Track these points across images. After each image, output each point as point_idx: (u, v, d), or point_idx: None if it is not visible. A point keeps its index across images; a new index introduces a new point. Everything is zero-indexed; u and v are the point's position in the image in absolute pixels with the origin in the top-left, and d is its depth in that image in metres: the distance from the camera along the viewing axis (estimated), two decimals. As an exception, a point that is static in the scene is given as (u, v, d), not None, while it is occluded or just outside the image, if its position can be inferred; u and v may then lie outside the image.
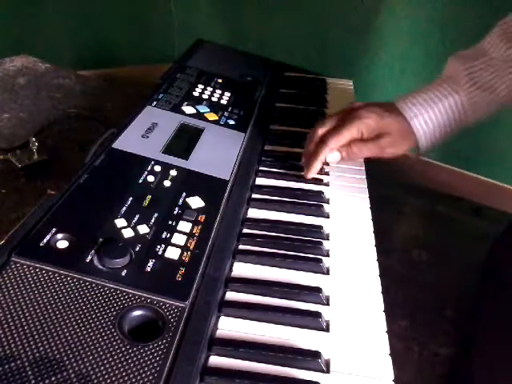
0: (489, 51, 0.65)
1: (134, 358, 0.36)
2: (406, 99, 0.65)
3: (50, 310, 0.38)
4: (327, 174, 0.65)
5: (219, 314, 0.44)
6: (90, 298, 0.40)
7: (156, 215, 0.50)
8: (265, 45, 1.72)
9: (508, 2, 1.20)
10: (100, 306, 0.39)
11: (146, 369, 0.36)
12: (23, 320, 0.37)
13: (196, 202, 0.53)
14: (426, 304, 0.73)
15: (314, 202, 0.60)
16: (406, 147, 0.65)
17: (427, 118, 0.63)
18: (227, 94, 0.78)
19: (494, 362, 0.58)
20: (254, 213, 0.57)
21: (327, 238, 0.55)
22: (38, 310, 0.38)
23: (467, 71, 0.64)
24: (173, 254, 0.46)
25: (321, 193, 0.61)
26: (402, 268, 0.80)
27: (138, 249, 0.45)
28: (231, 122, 0.71)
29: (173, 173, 0.57)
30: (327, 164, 0.66)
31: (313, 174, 0.63)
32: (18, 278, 0.40)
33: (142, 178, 0.55)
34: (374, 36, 1.57)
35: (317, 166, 0.62)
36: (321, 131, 0.63)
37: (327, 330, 0.44)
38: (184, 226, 0.49)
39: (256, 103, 0.79)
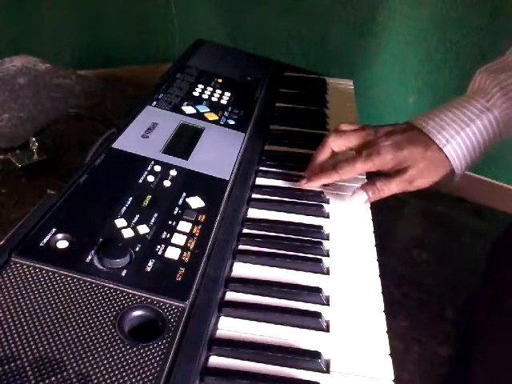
0: None
1: (134, 358, 0.36)
2: (431, 120, 0.58)
3: (50, 310, 0.38)
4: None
5: (219, 314, 0.44)
6: (90, 298, 0.40)
7: (156, 215, 0.50)
8: (265, 45, 1.73)
9: (508, 2, 1.20)
10: (100, 306, 0.39)
11: (146, 369, 0.36)
12: (23, 320, 0.37)
13: (196, 202, 0.53)
14: (425, 304, 0.73)
15: (314, 202, 0.60)
16: (438, 176, 0.58)
17: (461, 142, 0.56)
18: (227, 94, 0.78)
19: (494, 362, 0.58)
20: (253, 213, 0.57)
21: (327, 238, 0.55)
22: (38, 310, 0.38)
23: (499, 85, 0.57)
24: (173, 254, 0.46)
25: (321, 193, 0.61)
26: (402, 268, 0.80)
27: (138, 249, 0.45)
28: (231, 122, 0.71)
29: (173, 173, 0.57)
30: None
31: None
32: (18, 278, 0.40)
33: (142, 178, 0.55)
34: (374, 36, 1.58)
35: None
36: (335, 147, 0.60)
37: (327, 330, 0.44)
38: (184, 226, 0.49)
39: (256, 103, 0.79)
